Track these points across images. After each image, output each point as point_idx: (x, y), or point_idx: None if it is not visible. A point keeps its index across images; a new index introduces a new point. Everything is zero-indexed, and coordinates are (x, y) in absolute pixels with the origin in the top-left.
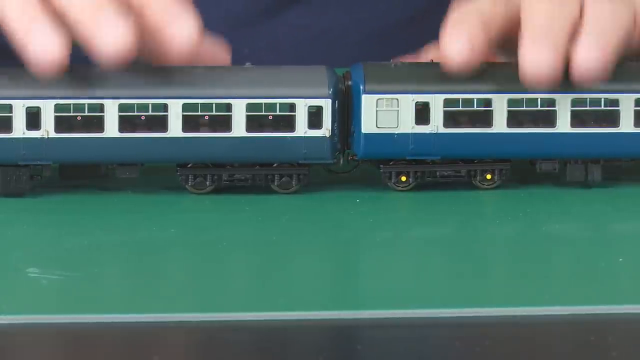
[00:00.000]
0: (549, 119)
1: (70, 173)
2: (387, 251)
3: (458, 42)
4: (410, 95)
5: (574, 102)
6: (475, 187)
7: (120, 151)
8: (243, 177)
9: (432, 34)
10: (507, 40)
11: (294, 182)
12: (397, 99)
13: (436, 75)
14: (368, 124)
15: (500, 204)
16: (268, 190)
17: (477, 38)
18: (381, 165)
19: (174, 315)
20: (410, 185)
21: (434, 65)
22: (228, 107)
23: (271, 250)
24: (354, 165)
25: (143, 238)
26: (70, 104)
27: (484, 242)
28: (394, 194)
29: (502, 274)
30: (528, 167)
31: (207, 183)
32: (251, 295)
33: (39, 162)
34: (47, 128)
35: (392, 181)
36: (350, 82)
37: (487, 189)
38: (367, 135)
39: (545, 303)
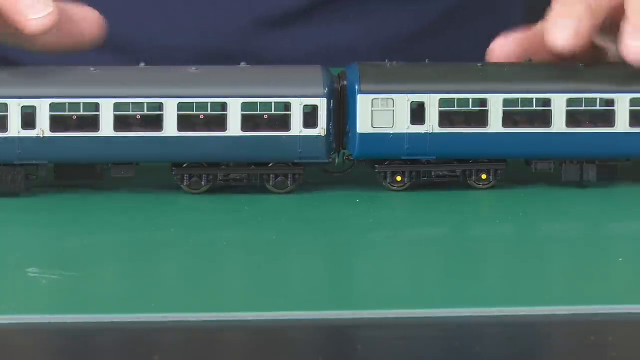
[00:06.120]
0: (544, 119)
1: (66, 174)
2: (386, 251)
3: (564, 26)
4: (405, 95)
5: (570, 102)
6: (471, 187)
7: (115, 150)
8: (238, 177)
9: (441, 48)
10: (609, 25)
11: (289, 182)
12: (393, 99)
13: (432, 75)
14: (363, 124)
15: (497, 204)
16: (263, 191)
17: (583, 24)
18: (376, 165)
19: (174, 315)
20: (406, 186)
21: (429, 66)
22: (223, 106)
23: (270, 250)
24: (350, 165)
25: (142, 238)
26: (65, 103)
27: (482, 242)
28: (390, 193)
29: (501, 274)
30: (524, 167)
31: (203, 183)
32: (251, 295)
33: (34, 162)
34: (43, 127)
35: (388, 181)
36: (345, 82)
37: (482, 189)
38: (362, 135)
39: (545, 303)
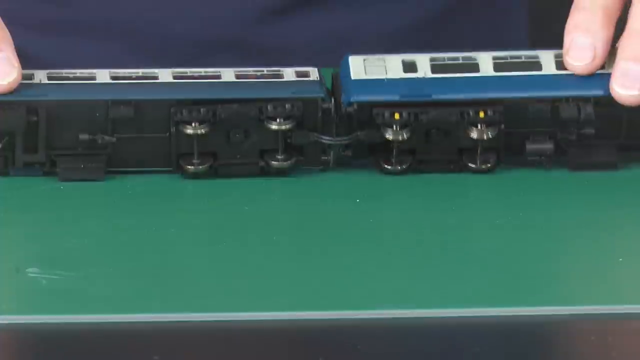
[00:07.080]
0: (535, 66)
1: (68, 174)
2: (386, 251)
3: (582, 52)
4: (397, 55)
5: (557, 55)
6: (472, 181)
7: (114, 88)
8: (236, 109)
9: (442, 40)
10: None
11: (287, 109)
12: (384, 59)
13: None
14: (357, 74)
15: (497, 203)
16: (264, 187)
17: (600, 43)
18: (374, 109)
19: (174, 315)
20: (405, 134)
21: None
22: (217, 76)
23: (270, 250)
24: (348, 139)
25: (143, 238)
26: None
27: (482, 241)
28: (392, 191)
29: (502, 273)
30: (523, 165)
31: (202, 114)
32: (251, 295)
33: (34, 99)
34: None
35: (384, 118)
36: (339, 74)
37: (483, 171)
38: (356, 81)
39: (545, 303)
